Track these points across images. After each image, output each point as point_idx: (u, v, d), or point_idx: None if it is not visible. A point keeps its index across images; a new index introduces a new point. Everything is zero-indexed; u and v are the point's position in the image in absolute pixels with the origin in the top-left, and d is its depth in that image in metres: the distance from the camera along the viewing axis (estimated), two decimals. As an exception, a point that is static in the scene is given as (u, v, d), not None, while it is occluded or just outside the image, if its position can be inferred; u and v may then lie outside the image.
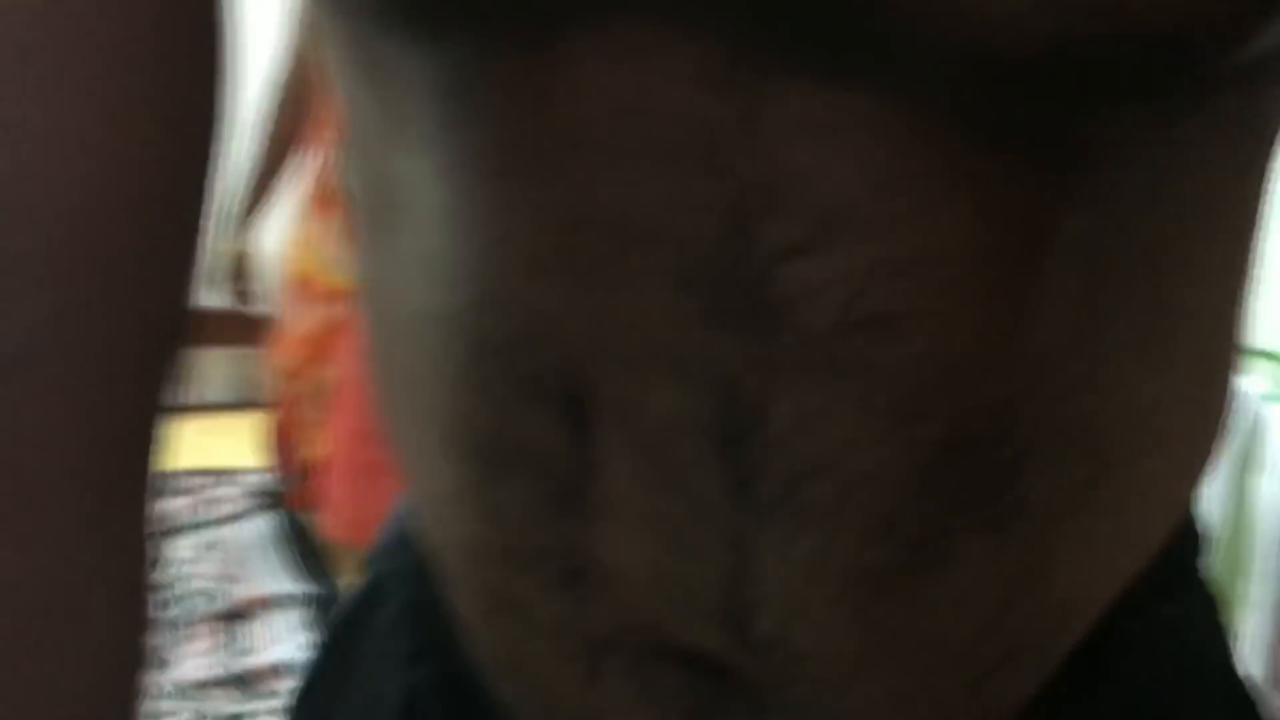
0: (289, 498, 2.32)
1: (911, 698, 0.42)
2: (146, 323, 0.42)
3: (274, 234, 2.18)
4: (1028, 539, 0.41)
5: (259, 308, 2.19)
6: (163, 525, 0.47)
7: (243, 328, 2.20)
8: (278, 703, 2.28)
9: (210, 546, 2.90)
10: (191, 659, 2.42)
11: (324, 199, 2.02)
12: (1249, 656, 1.68)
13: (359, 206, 0.46)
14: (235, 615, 2.60)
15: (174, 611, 2.58)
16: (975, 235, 0.36)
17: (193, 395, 2.15)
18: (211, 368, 3.32)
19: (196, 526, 2.98)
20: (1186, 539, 0.52)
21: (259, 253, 2.19)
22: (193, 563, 2.81)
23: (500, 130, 0.38)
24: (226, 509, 3.07)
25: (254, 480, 3.05)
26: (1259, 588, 1.71)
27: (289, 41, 2.08)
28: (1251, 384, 1.75)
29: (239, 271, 2.18)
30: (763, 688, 0.41)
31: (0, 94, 0.38)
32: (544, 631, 0.44)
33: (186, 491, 3.09)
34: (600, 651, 0.43)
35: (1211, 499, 1.72)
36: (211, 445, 3.12)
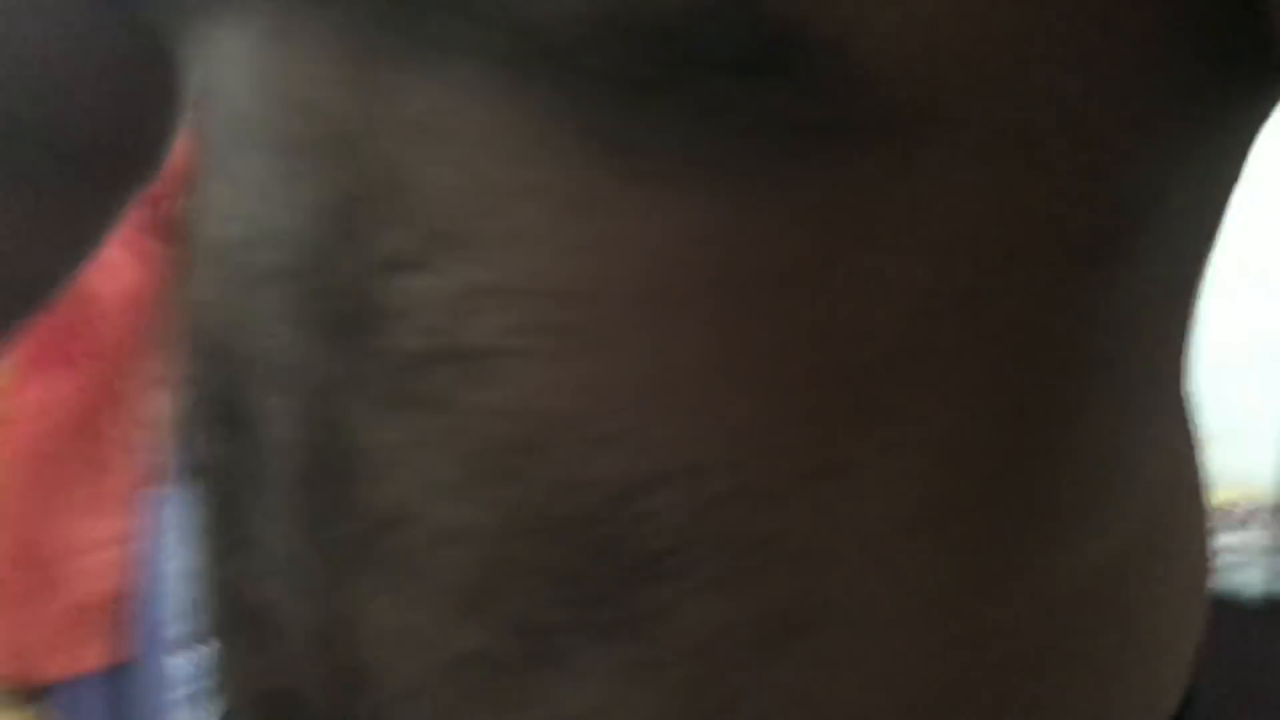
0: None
1: None
2: None
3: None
4: (693, 678, 0.34)
5: None
6: None
7: None
8: None
9: None
10: None
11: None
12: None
13: None
14: None
15: None
16: (601, 268, 0.33)
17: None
18: None
19: None
20: None
21: None
22: None
23: (194, 114, 0.38)
24: None
25: None
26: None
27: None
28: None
29: None
30: None
31: None
32: (233, 679, 0.41)
33: None
34: (256, 702, 0.40)
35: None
36: None
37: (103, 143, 0.51)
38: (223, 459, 0.38)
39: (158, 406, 1.46)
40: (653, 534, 0.33)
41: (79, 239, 0.51)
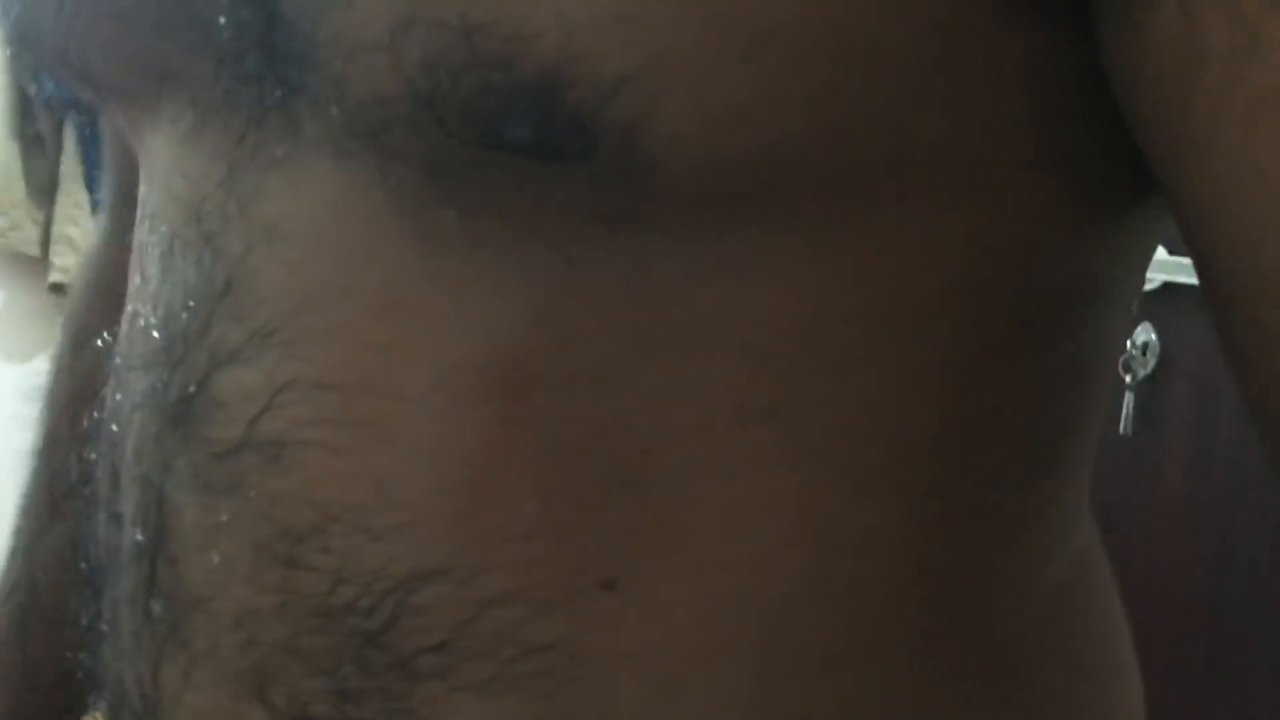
0: None
1: None
2: None
3: None
4: None
5: None
6: None
7: None
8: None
9: None
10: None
11: None
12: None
13: None
14: None
15: None
16: (397, 365, 0.34)
17: None
18: None
19: None
20: None
21: None
22: None
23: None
24: None
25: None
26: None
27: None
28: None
29: None
30: None
31: None
32: None
33: None
34: None
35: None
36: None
37: None
38: (95, 532, 0.41)
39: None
40: (422, 630, 0.34)
41: None
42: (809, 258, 0.33)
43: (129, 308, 0.40)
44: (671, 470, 0.34)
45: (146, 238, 0.39)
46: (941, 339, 0.35)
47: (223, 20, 0.35)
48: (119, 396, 0.39)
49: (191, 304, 0.36)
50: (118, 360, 0.40)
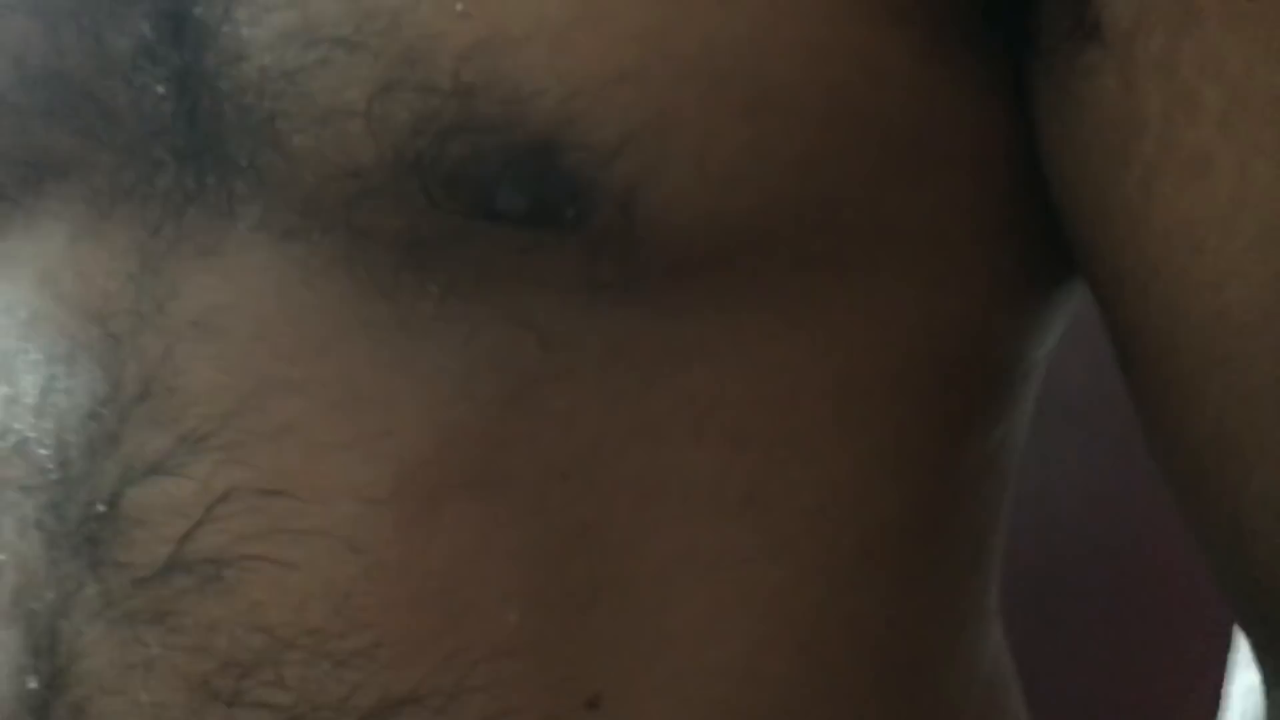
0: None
1: None
2: None
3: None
4: None
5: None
6: None
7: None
8: None
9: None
10: None
11: None
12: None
13: None
14: None
15: None
16: (358, 466, 0.31)
17: None
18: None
19: None
20: None
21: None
22: None
23: None
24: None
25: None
26: None
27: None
28: None
29: None
30: None
31: None
32: None
33: None
34: None
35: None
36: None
37: None
38: None
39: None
40: None
41: None
42: (783, 333, 0.33)
43: None
44: (653, 570, 0.32)
45: (15, 345, 0.34)
46: (905, 417, 0.35)
47: (130, 102, 0.33)
48: None
49: (96, 413, 0.32)
50: None
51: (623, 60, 0.29)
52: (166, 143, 0.32)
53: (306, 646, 0.30)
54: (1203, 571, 0.35)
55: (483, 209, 0.30)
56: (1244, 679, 0.56)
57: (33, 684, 0.32)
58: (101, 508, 0.32)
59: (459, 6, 0.29)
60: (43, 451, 0.33)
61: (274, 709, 0.30)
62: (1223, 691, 0.59)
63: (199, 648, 0.31)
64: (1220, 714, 0.59)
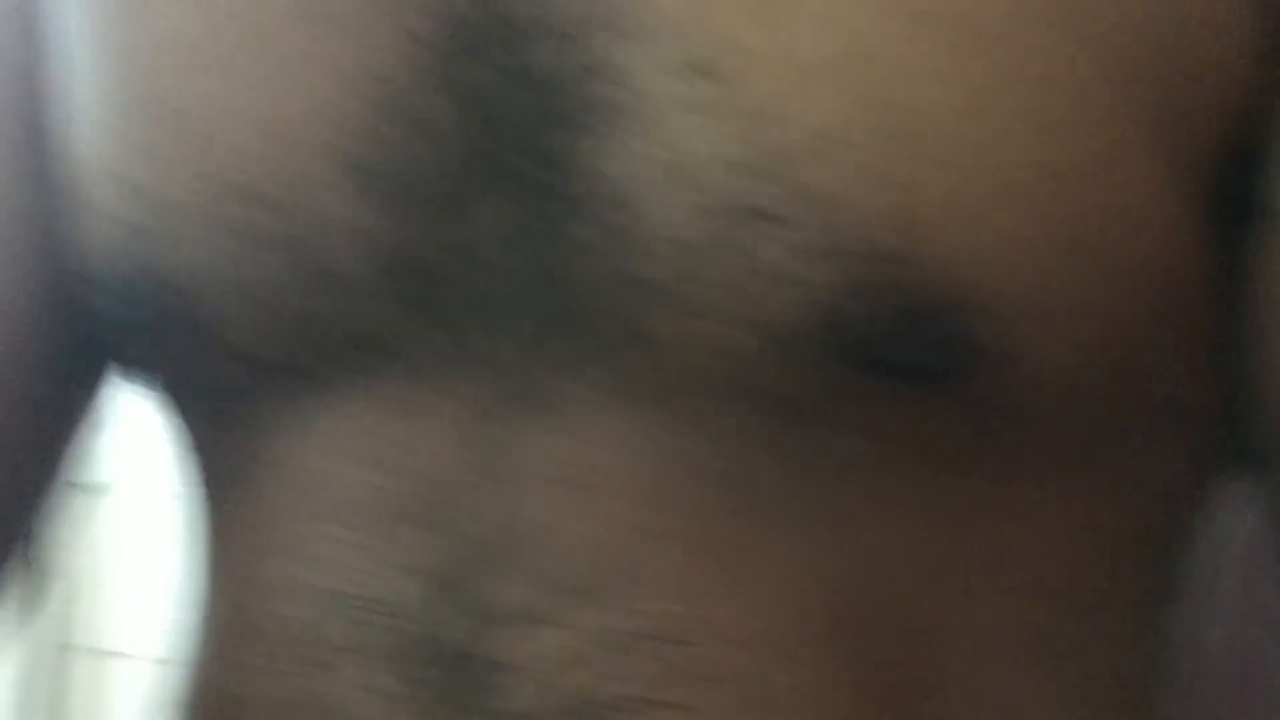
0: None
1: None
2: None
3: None
4: None
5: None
6: None
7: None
8: None
9: None
10: None
11: None
12: None
13: None
14: None
15: None
16: (737, 613, 0.32)
17: None
18: None
19: None
20: None
21: None
22: None
23: (232, 489, 0.37)
24: None
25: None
26: None
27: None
28: None
29: None
30: None
31: None
32: None
33: None
34: None
35: None
36: None
37: None
38: None
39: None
40: None
41: None
42: (1087, 488, 0.34)
43: (262, 592, 0.36)
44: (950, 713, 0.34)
45: (300, 512, 0.35)
46: (1141, 581, 0.37)
47: (495, 284, 0.33)
48: (294, 694, 0.35)
49: (434, 572, 0.33)
50: (269, 654, 0.35)
51: (1025, 235, 0.31)
52: (525, 320, 0.33)
53: None
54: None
55: (875, 368, 0.31)
56: None
57: None
58: (459, 662, 0.33)
59: (872, 175, 0.31)
60: (385, 614, 0.33)
61: None
62: None
63: None
64: None
